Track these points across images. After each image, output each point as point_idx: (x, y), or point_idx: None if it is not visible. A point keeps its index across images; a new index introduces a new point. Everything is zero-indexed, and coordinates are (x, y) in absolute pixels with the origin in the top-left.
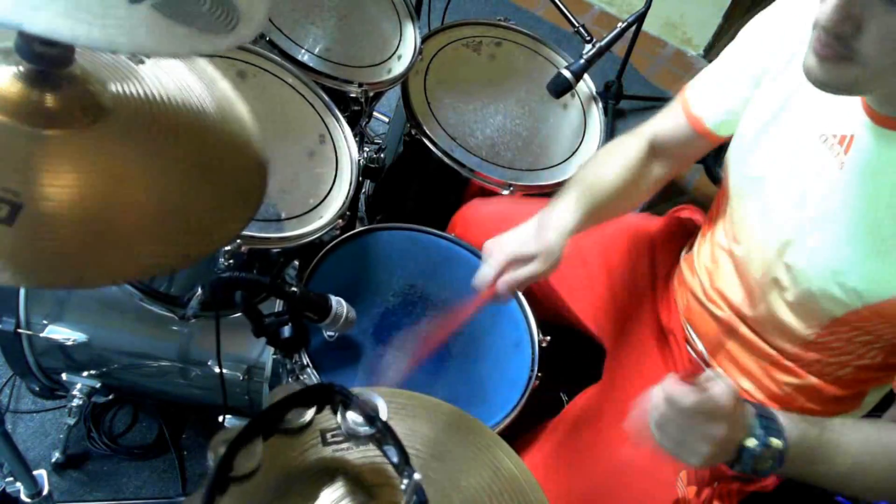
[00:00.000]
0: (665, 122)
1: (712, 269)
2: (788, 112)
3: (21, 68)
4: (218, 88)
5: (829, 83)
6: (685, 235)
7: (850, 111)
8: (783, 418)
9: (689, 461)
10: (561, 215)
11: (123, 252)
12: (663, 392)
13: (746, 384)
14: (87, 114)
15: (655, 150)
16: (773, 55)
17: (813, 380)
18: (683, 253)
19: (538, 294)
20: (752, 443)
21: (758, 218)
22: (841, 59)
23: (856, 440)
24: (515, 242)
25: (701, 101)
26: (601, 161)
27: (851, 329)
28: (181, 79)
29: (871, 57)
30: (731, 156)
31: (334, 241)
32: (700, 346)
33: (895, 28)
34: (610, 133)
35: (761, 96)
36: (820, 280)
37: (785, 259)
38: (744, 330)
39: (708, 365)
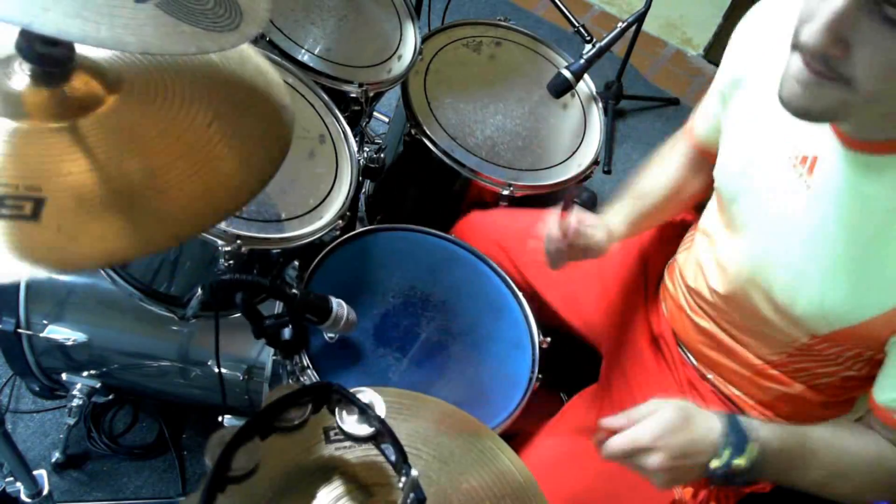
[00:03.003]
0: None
1: (693, 281)
2: (759, 129)
3: (25, 68)
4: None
5: (813, 109)
6: (678, 237)
7: (816, 131)
8: (758, 423)
9: (659, 486)
10: (612, 219)
11: (157, 219)
12: (605, 429)
13: (734, 391)
14: (95, 95)
15: (695, 157)
16: (738, 67)
17: (799, 387)
18: (670, 260)
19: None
20: (715, 464)
21: (733, 237)
22: (829, 82)
23: (832, 446)
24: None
25: (696, 115)
26: (652, 168)
27: (834, 345)
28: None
29: (862, 81)
30: (715, 173)
31: (334, 242)
32: (688, 352)
33: (887, 49)
34: (610, 133)
35: (733, 112)
36: (798, 303)
37: (762, 281)
38: (727, 340)
39: (698, 368)
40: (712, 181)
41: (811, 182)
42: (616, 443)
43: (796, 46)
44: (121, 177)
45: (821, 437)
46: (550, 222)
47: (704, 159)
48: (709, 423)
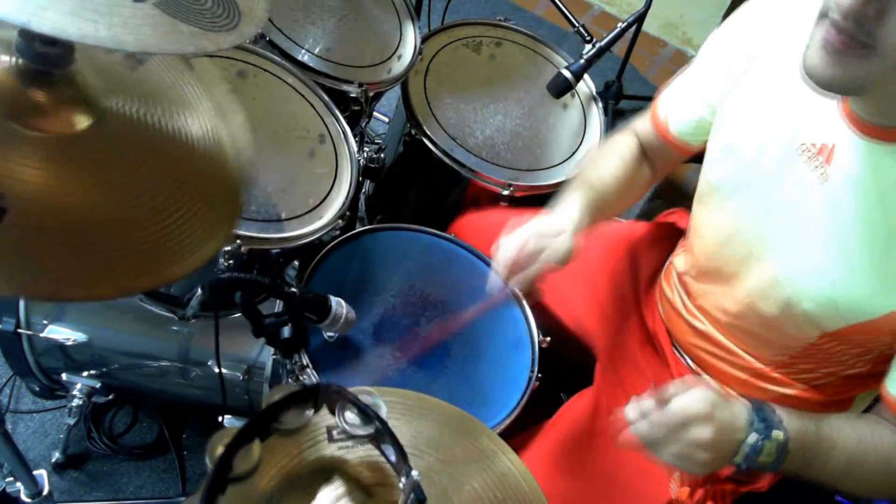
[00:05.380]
0: (643, 125)
1: (690, 283)
2: (761, 119)
3: (19, 62)
4: (213, 96)
5: (837, 80)
6: (672, 240)
7: (829, 119)
8: (781, 411)
9: (693, 470)
10: (569, 212)
11: (100, 268)
12: (635, 412)
13: (731, 392)
14: (76, 119)
15: (642, 151)
16: (736, 60)
17: (800, 387)
18: (666, 262)
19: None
20: (753, 438)
21: (736, 232)
22: (857, 50)
23: (851, 437)
24: (521, 239)
25: (667, 107)
26: (599, 160)
27: (841, 343)
28: (176, 93)
29: (891, 46)
30: (705, 165)
31: (334, 242)
32: (684, 354)
33: None
34: (610, 133)
35: (730, 102)
36: (810, 298)
37: (769, 276)
38: (726, 343)
39: (694, 370)
40: (652, 176)
41: (830, 172)
42: (641, 428)
43: (825, 15)
44: (75, 210)
45: (840, 428)
46: (507, 242)
47: (652, 151)
48: (734, 410)
